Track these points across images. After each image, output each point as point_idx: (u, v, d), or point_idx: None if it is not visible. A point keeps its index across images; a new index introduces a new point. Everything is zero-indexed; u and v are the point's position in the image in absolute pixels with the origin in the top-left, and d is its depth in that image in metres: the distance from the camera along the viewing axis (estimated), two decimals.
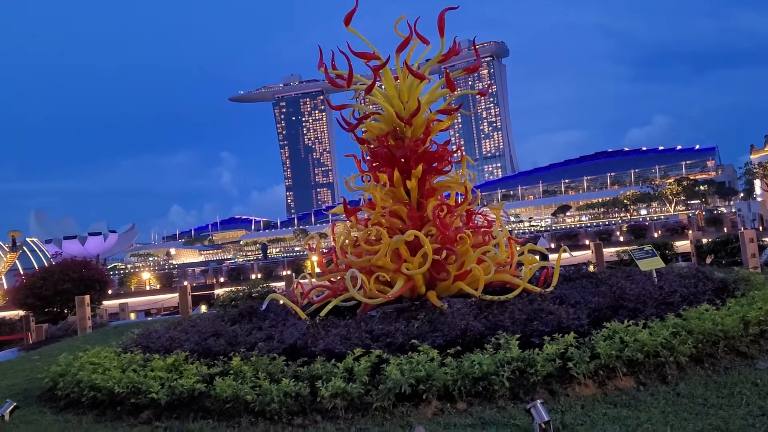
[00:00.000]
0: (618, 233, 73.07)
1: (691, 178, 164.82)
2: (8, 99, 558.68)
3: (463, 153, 15.81)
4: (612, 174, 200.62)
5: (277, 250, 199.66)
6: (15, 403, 9.84)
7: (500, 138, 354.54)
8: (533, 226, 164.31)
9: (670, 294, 11.17)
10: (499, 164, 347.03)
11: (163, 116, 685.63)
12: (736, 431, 6.55)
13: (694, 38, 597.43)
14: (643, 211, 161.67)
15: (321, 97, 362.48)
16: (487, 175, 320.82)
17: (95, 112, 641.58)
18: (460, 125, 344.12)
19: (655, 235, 65.13)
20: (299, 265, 58.17)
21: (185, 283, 51.82)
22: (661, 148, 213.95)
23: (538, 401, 6.92)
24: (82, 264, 30.20)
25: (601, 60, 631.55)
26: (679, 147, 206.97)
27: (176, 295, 34.54)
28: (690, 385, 8.15)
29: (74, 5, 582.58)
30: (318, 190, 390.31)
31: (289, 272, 50.14)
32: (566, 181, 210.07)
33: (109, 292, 38.44)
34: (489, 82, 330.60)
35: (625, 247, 32.01)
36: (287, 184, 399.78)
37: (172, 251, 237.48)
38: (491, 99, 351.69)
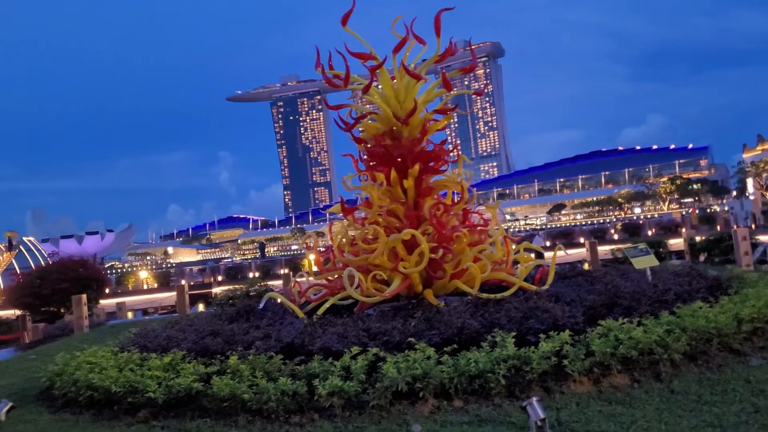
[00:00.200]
0: (612, 231, 73.33)
1: (685, 176, 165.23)
2: (7, 99, 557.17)
3: (460, 152, 15.85)
4: (606, 173, 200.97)
5: (275, 248, 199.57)
6: (12, 403, 9.87)
7: (496, 137, 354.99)
8: (529, 224, 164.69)
9: (664, 292, 11.22)
10: (495, 163, 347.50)
11: (161, 115, 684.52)
12: (729, 428, 6.62)
13: (690, 38, 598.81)
14: (637, 210, 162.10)
15: (318, 97, 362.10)
16: (483, 174, 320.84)
17: (93, 111, 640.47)
18: (457, 125, 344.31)
19: (649, 233, 65.38)
20: (297, 263, 58.11)
21: (183, 282, 51.80)
22: (654, 147, 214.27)
23: (534, 399, 6.97)
24: (80, 263, 30.14)
25: (596, 59, 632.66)
26: (672, 146, 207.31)
27: (174, 294, 34.51)
28: (684, 382, 8.21)
29: (71, 7, 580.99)
30: (315, 189, 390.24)
31: (286, 271, 50.06)
32: (561, 180, 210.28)
33: (107, 291, 38.39)
34: (485, 81, 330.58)
35: (620, 246, 32.14)
36: (285, 183, 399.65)
37: (170, 250, 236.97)
38: (487, 99, 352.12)
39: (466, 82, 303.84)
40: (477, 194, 17.42)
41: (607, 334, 8.88)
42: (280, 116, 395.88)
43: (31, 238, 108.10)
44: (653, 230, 67.48)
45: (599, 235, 66.20)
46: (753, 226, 54.30)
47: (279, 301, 14.23)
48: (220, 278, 65.52)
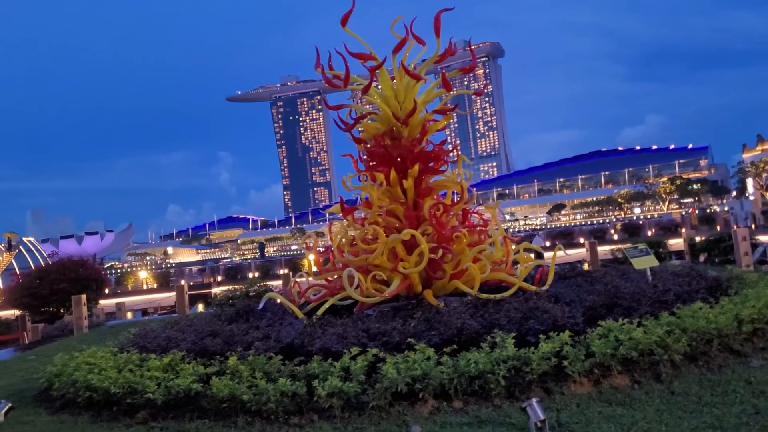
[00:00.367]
0: (612, 232, 73.38)
1: (684, 177, 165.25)
2: (7, 99, 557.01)
3: (459, 152, 15.84)
4: (606, 173, 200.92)
5: (275, 249, 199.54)
6: (10, 404, 9.84)
7: (496, 137, 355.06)
8: (528, 224, 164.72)
9: (664, 292, 11.22)
10: (494, 163, 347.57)
11: (161, 115, 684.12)
12: (730, 429, 6.61)
13: (688, 38, 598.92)
14: (637, 210, 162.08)
15: (318, 97, 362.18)
16: (482, 174, 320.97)
17: (93, 111, 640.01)
18: (456, 125, 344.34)
19: (649, 233, 65.46)
20: (296, 264, 58.17)
21: (182, 282, 51.78)
22: (654, 147, 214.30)
23: (534, 400, 6.96)
24: (79, 263, 30.14)
25: (595, 59, 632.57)
26: (672, 146, 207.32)
27: (173, 294, 34.47)
28: (684, 383, 8.20)
29: (71, 7, 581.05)
30: (315, 189, 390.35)
31: (286, 271, 50.06)
32: (561, 180, 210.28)
33: (106, 291, 38.39)
34: (484, 82, 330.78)
35: (620, 246, 32.11)
36: (284, 183, 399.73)
37: (170, 250, 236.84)
38: (487, 99, 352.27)
39: (465, 83, 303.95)
40: (477, 194, 17.41)
41: (607, 335, 8.87)
42: (279, 116, 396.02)
43: (31, 239, 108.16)
44: (653, 230, 67.56)
45: (599, 235, 66.25)
46: (753, 226, 54.34)
47: (278, 301, 14.21)
48: (219, 278, 65.56)
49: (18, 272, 58.94)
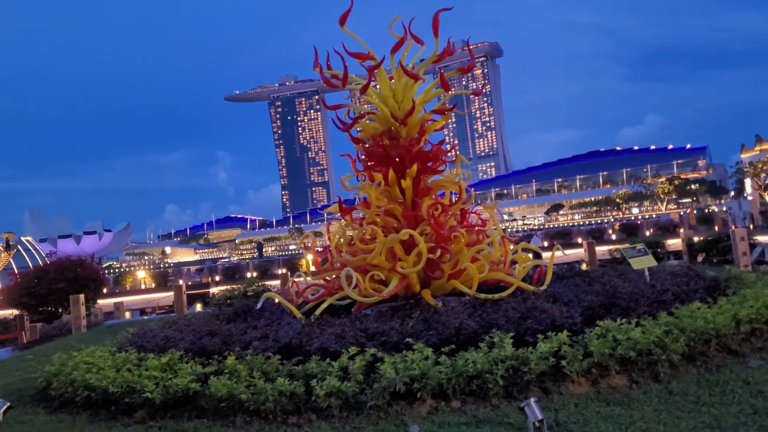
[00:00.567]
0: (610, 232, 73.43)
1: (683, 177, 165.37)
2: (6, 99, 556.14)
3: (458, 152, 15.85)
4: (604, 173, 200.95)
5: (273, 248, 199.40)
6: (9, 403, 9.83)
7: (494, 137, 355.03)
8: (526, 224, 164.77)
9: (663, 292, 11.23)
10: (492, 163, 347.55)
11: (160, 115, 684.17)
12: (728, 429, 6.62)
13: (687, 38, 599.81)
14: (635, 210, 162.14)
15: (316, 97, 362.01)
16: (480, 174, 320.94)
17: (92, 111, 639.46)
18: (454, 125, 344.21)
19: (647, 233, 65.51)
20: (294, 263, 58.19)
21: (180, 281, 51.80)
22: (652, 147, 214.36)
23: (532, 399, 6.96)
24: (77, 263, 30.09)
25: (594, 59, 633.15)
26: (670, 146, 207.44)
27: (171, 293, 34.50)
28: (682, 383, 8.21)
29: (71, 7, 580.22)
30: (313, 189, 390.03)
31: (284, 271, 50.10)
32: (559, 180, 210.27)
33: (104, 291, 38.35)
34: (483, 81, 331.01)
35: (618, 246, 32.15)
36: (283, 183, 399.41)
37: (168, 250, 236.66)
38: (485, 99, 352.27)
39: (464, 82, 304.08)
40: (475, 194, 17.41)
41: (605, 335, 8.88)
42: (278, 116, 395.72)
43: (29, 238, 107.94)
44: (651, 230, 67.62)
45: (597, 235, 66.27)
46: (751, 226, 54.33)
47: (277, 301, 14.20)
48: (217, 278, 65.58)
49: (16, 272, 58.89)
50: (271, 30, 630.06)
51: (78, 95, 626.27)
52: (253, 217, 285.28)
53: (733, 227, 41.39)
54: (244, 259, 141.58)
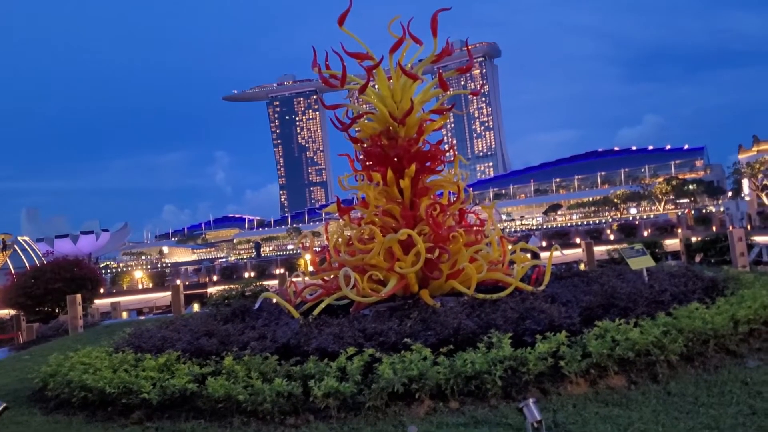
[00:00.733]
0: (608, 232, 73.47)
1: (681, 177, 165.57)
2: (4, 99, 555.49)
3: (456, 152, 15.85)
4: (602, 173, 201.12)
5: (271, 248, 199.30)
6: (5, 404, 9.77)
7: (492, 137, 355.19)
8: (525, 224, 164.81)
9: (661, 293, 11.23)
10: (491, 163, 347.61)
11: (158, 115, 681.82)
12: (726, 430, 6.61)
13: (684, 39, 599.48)
14: (633, 210, 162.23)
15: (315, 97, 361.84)
16: (479, 174, 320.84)
17: (90, 111, 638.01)
18: (453, 125, 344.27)
19: (645, 233, 65.58)
20: (292, 263, 58.19)
21: (178, 281, 51.75)
22: (650, 147, 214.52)
23: (531, 400, 6.94)
24: (74, 263, 30.06)
25: (592, 60, 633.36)
26: (668, 147, 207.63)
27: (169, 293, 34.43)
28: (681, 383, 8.20)
29: (70, 7, 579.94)
30: (311, 188, 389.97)
31: (282, 271, 50.14)
32: (557, 180, 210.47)
33: (101, 291, 38.26)
34: (481, 82, 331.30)
35: (616, 246, 32.16)
36: (281, 182, 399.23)
37: (165, 250, 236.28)
38: (483, 99, 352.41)
39: (462, 83, 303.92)
40: (473, 194, 17.41)
41: (603, 335, 8.87)
42: (276, 116, 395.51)
43: (26, 238, 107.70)
44: (649, 231, 67.68)
45: (595, 235, 66.31)
46: (749, 227, 54.42)
47: (274, 301, 14.18)
48: (215, 278, 65.52)
49: (13, 272, 58.81)
50: (269, 30, 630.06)
51: (76, 95, 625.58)
52: (251, 217, 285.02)
53: (730, 228, 41.47)
54: (241, 259, 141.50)
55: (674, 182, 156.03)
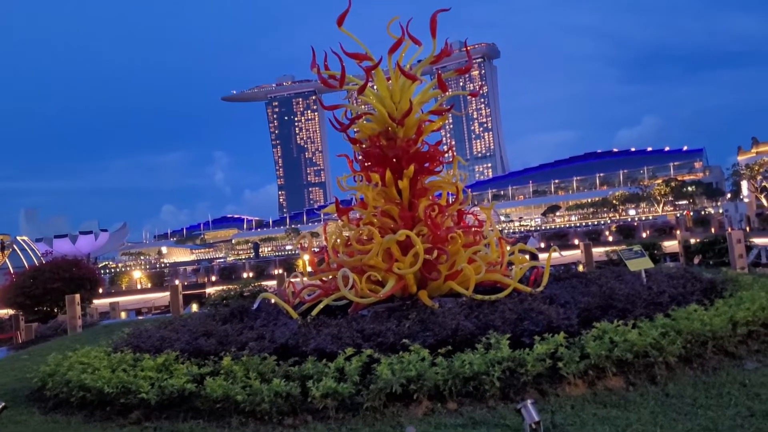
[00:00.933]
0: (607, 233, 73.41)
1: (679, 179, 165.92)
2: (2, 99, 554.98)
3: (455, 153, 15.86)
4: (601, 174, 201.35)
5: (269, 249, 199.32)
6: (4, 403, 9.77)
7: (491, 138, 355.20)
8: (523, 225, 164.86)
9: (659, 294, 11.24)
10: (489, 164, 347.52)
11: (157, 115, 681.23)
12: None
13: (684, 40, 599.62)
14: (632, 212, 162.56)
15: (314, 97, 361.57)
16: (477, 175, 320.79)
17: (89, 111, 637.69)
18: (452, 126, 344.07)
19: (644, 235, 65.51)
20: (291, 264, 58.08)
21: (176, 282, 51.63)
22: (649, 149, 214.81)
23: (529, 401, 6.94)
24: (73, 263, 30.03)
25: (591, 61, 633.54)
26: (667, 148, 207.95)
27: (167, 294, 34.41)
28: (679, 385, 8.20)
29: (69, 7, 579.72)
30: (310, 189, 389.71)
31: (280, 271, 50.08)
32: (556, 181, 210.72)
33: (100, 291, 38.23)
34: (480, 83, 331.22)
35: (614, 247, 32.11)
36: (279, 183, 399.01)
37: (164, 250, 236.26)
38: (482, 100, 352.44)
39: (461, 83, 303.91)
40: (472, 195, 17.41)
41: (601, 337, 8.87)
42: (275, 116, 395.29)
43: (25, 238, 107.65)
44: (648, 232, 67.62)
45: (594, 236, 66.26)
46: (747, 228, 54.52)
47: (273, 301, 14.18)
48: (213, 278, 65.40)
49: (12, 271, 58.78)
50: (268, 30, 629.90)
51: (76, 95, 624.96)
52: (249, 218, 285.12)
53: (729, 229, 41.49)
54: (240, 259, 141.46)
55: (673, 184, 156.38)
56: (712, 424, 6.78)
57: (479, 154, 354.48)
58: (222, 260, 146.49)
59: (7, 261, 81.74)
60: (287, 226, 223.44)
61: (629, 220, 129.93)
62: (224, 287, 26.08)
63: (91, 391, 9.39)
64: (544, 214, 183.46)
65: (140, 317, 34.26)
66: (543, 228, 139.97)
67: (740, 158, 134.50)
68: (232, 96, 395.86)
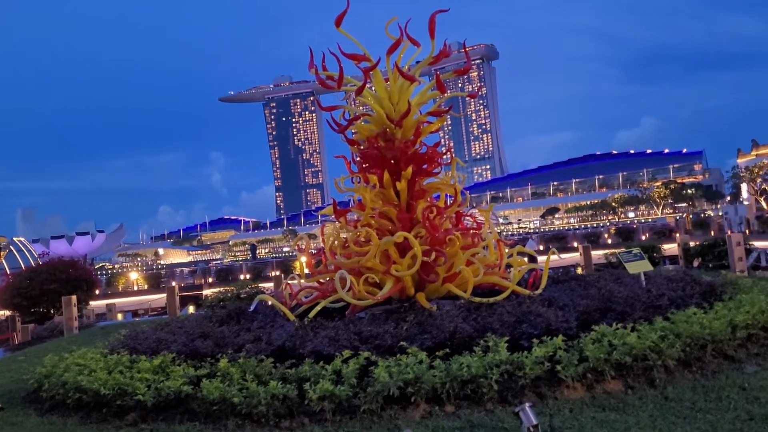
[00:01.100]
0: (606, 236, 73.37)
1: (679, 181, 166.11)
2: (1, 99, 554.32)
3: (453, 155, 15.82)
4: (600, 177, 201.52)
5: (266, 250, 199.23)
6: (0, 405, 9.75)
7: (489, 140, 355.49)
8: (522, 228, 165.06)
9: (658, 297, 11.20)
10: (488, 166, 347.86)
11: (154, 116, 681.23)
12: None
13: (683, 41, 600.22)
14: (631, 214, 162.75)
15: (311, 98, 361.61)
16: (476, 176, 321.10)
17: (86, 111, 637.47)
18: (450, 127, 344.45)
19: (643, 237, 65.51)
20: (288, 265, 58.00)
21: (173, 283, 51.55)
22: (648, 151, 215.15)
23: (527, 404, 6.90)
24: (70, 264, 30.02)
25: (590, 62, 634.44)
26: (666, 150, 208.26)
27: (164, 295, 34.28)
28: (678, 388, 8.17)
29: (68, 7, 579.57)
30: (308, 190, 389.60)
31: (277, 273, 49.90)
32: (555, 183, 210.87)
33: (97, 292, 38.20)
34: (479, 84, 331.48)
35: (613, 250, 32.15)
36: (277, 184, 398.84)
37: (161, 251, 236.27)
38: (481, 101, 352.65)
39: (459, 84, 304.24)
40: (470, 197, 17.37)
41: (600, 340, 8.84)
42: (272, 117, 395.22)
43: (21, 239, 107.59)
44: (647, 235, 67.61)
45: (593, 239, 66.26)
46: (747, 231, 54.54)
47: (270, 303, 14.13)
48: (210, 280, 65.37)
49: (8, 272, 58.66)
50: (266, 31, 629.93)
51: (75, 95, 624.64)
52: (246, 219, 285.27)
53: (729, 232, 41.51)
54: (237, 260, 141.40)
55: (672, 186, 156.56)
56: (711, 428, 6.75)
57: (478, 156, 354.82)
58: (219, 262, 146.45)
59: (4, 262, 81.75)
60: (284, 228, 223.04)
61: (628, 222, 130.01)
62: (221, 289, 26.06)
63: (87, 392, 9.35)
64: (542, 216, 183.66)
65: (137, 319, 34.18)
66: (542, 230, 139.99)
67: (740, 161, 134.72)
68: (229, 97, 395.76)
